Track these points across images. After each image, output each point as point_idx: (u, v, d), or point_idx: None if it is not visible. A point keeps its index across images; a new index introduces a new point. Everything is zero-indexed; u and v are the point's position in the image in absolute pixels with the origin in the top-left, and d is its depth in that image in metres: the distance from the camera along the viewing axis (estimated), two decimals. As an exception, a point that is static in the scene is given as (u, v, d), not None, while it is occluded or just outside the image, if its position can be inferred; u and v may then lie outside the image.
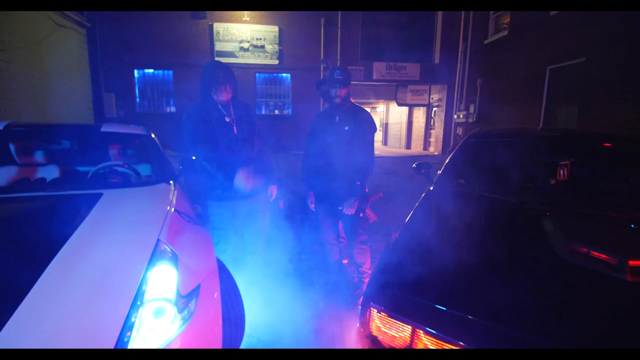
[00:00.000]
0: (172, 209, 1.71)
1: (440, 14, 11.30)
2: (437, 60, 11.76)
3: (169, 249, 1.35)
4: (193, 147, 2.05)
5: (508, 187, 2.19)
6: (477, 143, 2.63)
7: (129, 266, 1.22)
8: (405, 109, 14.98)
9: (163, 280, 1.21)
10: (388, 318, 1.18)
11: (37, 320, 0.98)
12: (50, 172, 2.18)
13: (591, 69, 6.14)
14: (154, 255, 1.29)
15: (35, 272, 1.12)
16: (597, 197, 1.99)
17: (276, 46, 10.50)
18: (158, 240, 1.37)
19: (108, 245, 1.31)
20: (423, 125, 13.80)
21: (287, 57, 10.67)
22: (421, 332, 1.11)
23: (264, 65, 10.58)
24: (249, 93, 10.52)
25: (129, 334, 1.03)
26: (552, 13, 6.95)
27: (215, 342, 1.30)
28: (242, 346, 1.69)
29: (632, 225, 1.48)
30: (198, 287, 1.29)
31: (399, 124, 16.24)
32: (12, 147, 2.23)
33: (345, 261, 2.86)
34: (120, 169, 2.22)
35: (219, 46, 10.22)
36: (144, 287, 1.15)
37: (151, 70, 10.34)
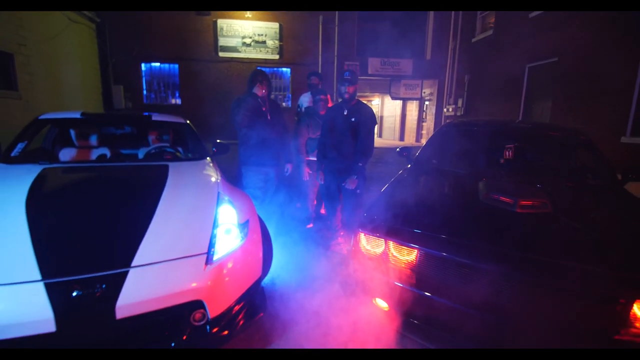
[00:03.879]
0: (219, 175, 2.39)
1: (431, 13, 11.92)
2: (428, 56, 12.41)
3: (226, 197, 2.04)
4: (239, 130, 2.97)
5: (466, 163, 2.89)
6: (447, 132, 3.32)
7: (206, 205, 1.91)
8: (399, 103, 15.64)
9: (227, 214, 1.90)
10: (370, 237, 1.88)
11: (163, 232, 1.66)
12: (119, 149, 2.85)
13: (562, 68, 6.85)
14: (218, 200, 1.97)
15: (151, 207, 1.79)
16: (528, 169, 2.69)
17: (277, 42, 11.07)
18: (218, 192, 2.05)
19: (189, 194, 2.00)
20: (416, 118, 14.50)
21: (287, 52, 11.25)
22: (391, 242, 1.81)
23: (266, 60, 11.16)
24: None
25: (214, 241, 1.71)
26: (531, 15, 7.62)
27: (258, 259, 1.99)
28: (273, 268, 2.39)
29: (538, 185, 2.19)
30: (247, 221, 1.98)
31: (393, 116, 16.91)
32: (86, 131, 2.88)
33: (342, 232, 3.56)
34: (168, 149, 2.90)
35: (222, 41, 10.76)
36: (217, 217, 1.84)
37: (157, 64, 10.87)
